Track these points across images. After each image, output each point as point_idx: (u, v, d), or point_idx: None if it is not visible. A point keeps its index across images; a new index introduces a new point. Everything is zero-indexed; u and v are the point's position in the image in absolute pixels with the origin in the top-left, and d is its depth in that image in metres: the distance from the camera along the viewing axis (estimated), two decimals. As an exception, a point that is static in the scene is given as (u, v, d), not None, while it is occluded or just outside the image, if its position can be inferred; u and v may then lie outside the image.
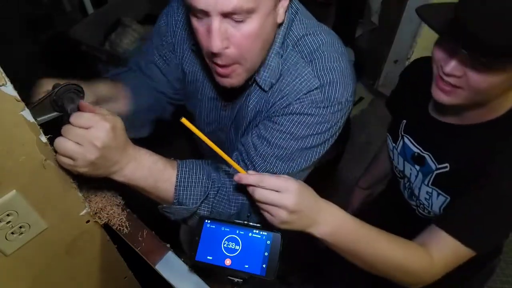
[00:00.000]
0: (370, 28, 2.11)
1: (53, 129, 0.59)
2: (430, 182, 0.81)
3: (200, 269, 0.65)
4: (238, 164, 0.66)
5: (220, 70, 0.67)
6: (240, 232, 0.56)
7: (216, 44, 0.60)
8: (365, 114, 2.23)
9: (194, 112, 0.94)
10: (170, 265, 0.70)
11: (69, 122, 0.57)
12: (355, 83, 0.73)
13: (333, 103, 0.69)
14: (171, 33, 0.84)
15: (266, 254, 0.54)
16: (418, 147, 0.85)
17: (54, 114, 0.66)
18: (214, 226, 0.57)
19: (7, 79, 0.46)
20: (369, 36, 2.27)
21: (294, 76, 0.70)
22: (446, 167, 0.77)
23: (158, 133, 0.95)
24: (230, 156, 0.66)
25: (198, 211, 0.69)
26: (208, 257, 0.55)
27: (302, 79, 0.69)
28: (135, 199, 0.80)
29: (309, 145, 0.71)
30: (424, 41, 1.93)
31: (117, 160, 0.60)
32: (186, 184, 0.68)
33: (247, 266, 0.54)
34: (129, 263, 0.85)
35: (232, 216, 0.72)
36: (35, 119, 0.52)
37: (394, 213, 0.99)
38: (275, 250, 0.54)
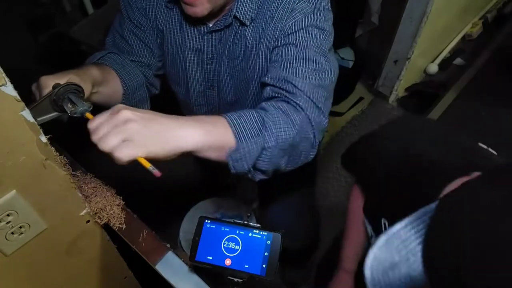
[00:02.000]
0: (370, 28, 2.11)
1: (53, 129, 0.59)
2: None
3: (200, 269, 0.65)
4: (275, 99, 0.72)
5: None
6: (240, 232, 0.56)
7: None
8: (365, 114, 2.23)
9: (178, 75, 0.95)
10: (170, 265, 0.70)
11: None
12: None
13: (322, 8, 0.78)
14: (143, 1, 0.87)
15: (266, 254, 0.54)
16: None
17: (54, 114, 0.66)
18: (214, 226, 0.57)
19: (7, 79, 0.45)
20: (369, 36, 2.27)
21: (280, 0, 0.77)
22: None
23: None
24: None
25: (265, 144, 0.64)
26: (208, 257, 0.55)
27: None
28: (135, 199, 0.80)
29: (326, 48, 0.78)
30: (424, 41, 1.93)
31: (171, 123, 0.55)
32: (239, 121, 0.63)
33: (247, 266, 0.54)
34: (129, 263, 0.85)
35: (296, 138, 0.68)
36: (35, 119, 0.52)
37: None
38: (275, 250, 0.54)
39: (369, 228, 0.77)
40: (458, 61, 2.30)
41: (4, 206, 0.54)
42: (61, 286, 0.74)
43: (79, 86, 0.67)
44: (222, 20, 0.82)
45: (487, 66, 2.14)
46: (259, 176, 0.68)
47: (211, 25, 0.84)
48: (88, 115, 0.62)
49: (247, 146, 0.61)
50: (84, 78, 0.71)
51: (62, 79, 0.68)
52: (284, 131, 0.65)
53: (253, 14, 0.79)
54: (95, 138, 0.52)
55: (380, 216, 0.69)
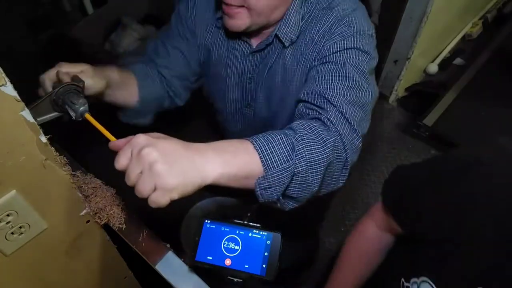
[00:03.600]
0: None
1: (53, 129, 0.59)
2: None
3: (200, 269, 0.65)
4: (307, 116, 0.70)
5: (226, 8, 0.76)
6: (240, 232, 0.56)
7: None
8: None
9: (218, 93, 0.98)
10: (170, 265, 0.70)
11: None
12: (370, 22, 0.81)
13: (362, 33, 0.76)
14: (192, 17, 0.90)
15: (266, 254, 0.54)
16: None
17: (54, 114, 0.66)
18: (214, 226, 0.57)
19: (7, 79, 0.45)
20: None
21: (321, 23, 0.78)
22: None
23: (178, 121, 0.98)
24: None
25: (295, 169, 0.59)
26: (208, 257, 0.55)
27: (330, 20, 0.77)
28: (135, 199, 0.80)
29: (366, 69, 0.75)
30: (424, 41, 1.93)
31: (188, 154, 0.52)
32: (266, 146, 0.58)
33: (247, 266, 0.54)
34: (129, 263, 0.85)
35: (329, 158, 0.62)
36: (35, 119, 0.52)
37: None
38: (275, 250, 0.54)
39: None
40: (458, 61, 2.30)
41: (4, 206, 0.54)
42: (61, 286, 0.74)
43: (79, 86, 0.67)
44: (264, 40, 0.84)
45: (487, 66, 2.14)
46: (290, 205, 0.64)
47: (254, 47, 0.86)
48: (88, 116, 0.62)
49: (276, 173, 0.57)
50: (98, 74, 0.73)
51: (77, 68, 0.70)
52: (315, 152, 0.61)
53: (294, 37, 0.80)
54: (128, 183, 0.51)
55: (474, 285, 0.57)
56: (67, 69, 0.69)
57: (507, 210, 0.54)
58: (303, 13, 0.80)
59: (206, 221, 0.58)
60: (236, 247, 0.55)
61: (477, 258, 0.56)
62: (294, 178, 0.60)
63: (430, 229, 0.63)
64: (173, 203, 0.52)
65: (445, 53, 2.30)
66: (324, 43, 0.77)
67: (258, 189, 0.58)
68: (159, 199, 0.49)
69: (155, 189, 0.49)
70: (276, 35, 0.81)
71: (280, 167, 0.58)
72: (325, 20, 0.77)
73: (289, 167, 0.58)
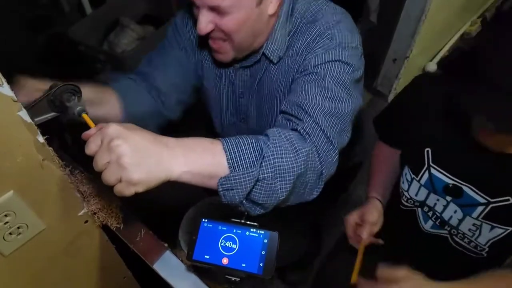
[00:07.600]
0: (369, 27, 2.11)
1: (50, 130, 0.59)
2: (481, 216, 0.75)
3: (197, 268, 0.65)
4: (285, 126, 0.70)
5: (212, 44, 0.81)
6: (237, 231, 0.56)
7: (200, 27, 0.74)
8: (363, 113, 2.23)
9: (213, 108, 1.00)
10: (167, 265, 0.70)
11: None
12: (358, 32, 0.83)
13: (345, 46, 0.77)
14: (189, 30, 0.91)
15: (263, 253, 0.54)
16: (454, 179, 0.77)
17: (52, 114, 0.66)
18: (211, 225, 0.57)
19: (3, 80, 0.46)
20: (367, 35, 2.27)
21: (304, 37, 0.79)
22: (506, 200, 0.71)
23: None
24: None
25: (260, 175, 0.58)
26: (205, 256, 0.56)
27: (313, 33, 0.78)
28: (134, 199, 0.80)
29: (348, 80, 0.75)
30: (422, 40, 1.93)
31: (157, 150, 0.53)
32: (235, 148, 0.58)
33: (244, 265, 0.54)
34: (128, 263, 0.85)
35: (300, 167, 0.61)
36: (33, 120, 0.52)
37: (407, 245, 0.96)
38: (272, 249, 0.55)
39: (408, 173, 0.85)
40: (456, 59, 2.30)
41: (1, 206, 0.54)
42: (59, 286, 0.74)
43: (77, 86, 0.67)
44: (253, 57, 0.85)
45: (486, 64, 2.13)
46: (256, 210, 0.62)
47: (243, 61, 0.88)
48: (85, 116, 0.62)
49: (238, 175, 0.57)
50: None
51: (44, 86, 0.67)
52: (285, 160, 0.60)
53: (281, 54, 0.82)
54: (95, 168, 0.52)
55: (422, 148, 0.81)
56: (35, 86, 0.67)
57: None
58: (289, 29, 0.81)
59: (204, 220, 0.58)
60: (233, 246, 0.55)
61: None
62: (258, 183, 0.58)
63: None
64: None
65: (444, 51, 2.30)
66: (306, 56, 0.78)
67: (220, 189, 0.58)
68: (124, 190, 0.51)
69: (120, 180, 0.51)
70: (263, 53, 0.83)
71: (245, 170, 0.57)
72: (308, 34, 0.78)
73: (252, 172, 0.57)
